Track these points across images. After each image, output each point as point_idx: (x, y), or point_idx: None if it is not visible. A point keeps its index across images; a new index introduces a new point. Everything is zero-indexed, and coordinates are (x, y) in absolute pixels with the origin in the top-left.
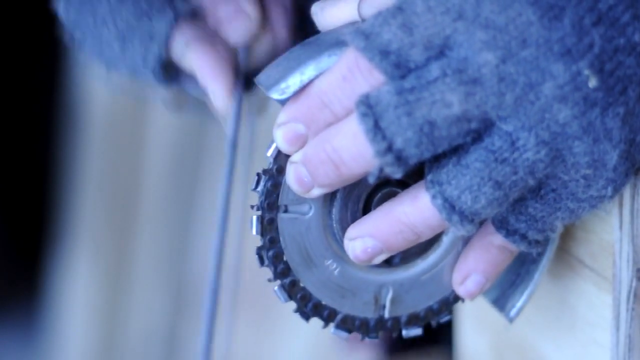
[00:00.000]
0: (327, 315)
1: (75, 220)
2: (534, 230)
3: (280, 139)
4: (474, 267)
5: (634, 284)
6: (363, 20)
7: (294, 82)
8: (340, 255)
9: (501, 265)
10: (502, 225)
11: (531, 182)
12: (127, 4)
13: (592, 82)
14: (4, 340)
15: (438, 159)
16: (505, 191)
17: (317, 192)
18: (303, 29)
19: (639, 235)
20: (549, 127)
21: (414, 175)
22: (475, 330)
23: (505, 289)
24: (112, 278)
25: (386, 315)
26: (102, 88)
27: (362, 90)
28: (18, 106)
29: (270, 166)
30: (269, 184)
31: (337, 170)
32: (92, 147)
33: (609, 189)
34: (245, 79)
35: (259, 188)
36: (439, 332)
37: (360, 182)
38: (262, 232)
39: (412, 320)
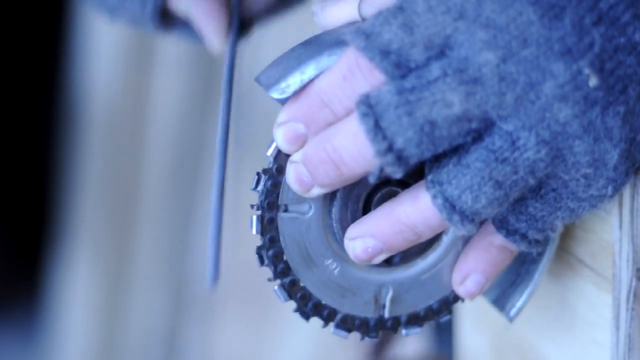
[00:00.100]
0: (327, 314)
1: (75, 220)
2: (534, 230)
3: (280, 138)
4: (473, 267)
5: (633, 284)
6: (363, 19)
7: (294, 81)
8: (340, 254)
9: (501, 265)
10: (502, 225)
11: (532, 181)
12: None
13: (593, 81)
14: (4, 340)
15: (438, 159)
16: (505, 191)
17: (317, 191)
18: None
19: (639, 235)
20: (549, 127)
21: (414, 175)
22: (475, 330)
23: (505, 289)
24: (112, 278)
25: (386, 314)
26: (102, 88)
27: (363, 90)
28: (18, 106)
29: (270, 165)
30: (268, 183)
31: (338, 170)
32: (92, 147)
33: (609, 188)
34: (240, 21)
35: (259, 187)
36: None
37: (360, 181)
38: (262, 232)
39: (412, 319)
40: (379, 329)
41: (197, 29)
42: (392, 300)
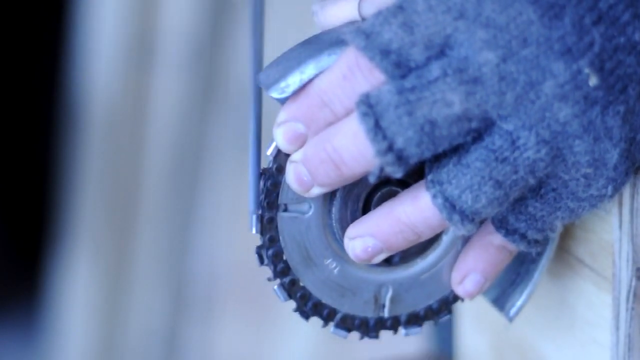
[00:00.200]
0: (326, 314)
1: (75, 221)
2: (534, 230)
3: (280, 138)
4: (473, 267)
5: (633, 284)
6: (363, 19)
7: (293, 81)
8: (340, 254)
9: (500, 264)
10: (501, 224)
11: (531, 181)
12: None
13: (593, 81)
14: (4, 340)
15: (438, 159)
16: (505, 190)
17: (316, 191)
18: None
19: (639, 235)
20: (549, 126)
21: (414, 175)
22: (475, 330)
23: (505, 289)
24: (112, 278)
25: (386, 314)
26: (102, 88)
27: (363, 89)
28: (18, 106)
29: (270, 165)
30: (268, 182)
31: (337, 170)
32: (92, 147)
33: (609, 188)
34: None
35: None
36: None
37: (360, 181)
38: (262, 231)
39: (412, 319)
40: (379, 329)
41: None
42: (392, 300)
